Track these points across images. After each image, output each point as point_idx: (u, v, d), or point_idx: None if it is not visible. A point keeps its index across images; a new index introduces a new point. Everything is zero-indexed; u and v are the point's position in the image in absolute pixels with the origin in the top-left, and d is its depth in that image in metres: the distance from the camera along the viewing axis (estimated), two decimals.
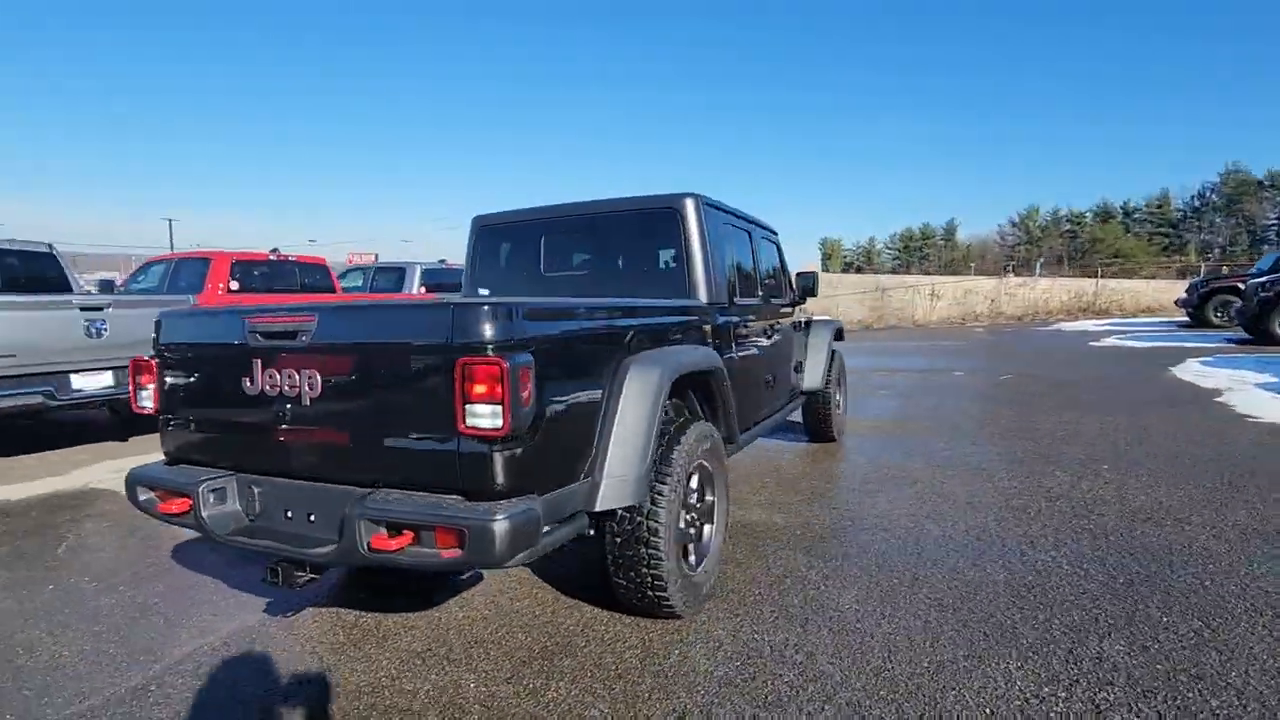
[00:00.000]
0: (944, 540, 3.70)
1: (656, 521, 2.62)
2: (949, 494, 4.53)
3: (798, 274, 5.19)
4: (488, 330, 1.96)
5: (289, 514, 2.31)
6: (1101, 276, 28.51)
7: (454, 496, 2.04)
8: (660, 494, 2.64)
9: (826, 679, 2.44)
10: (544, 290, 3.93)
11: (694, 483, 3.02)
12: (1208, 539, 3.59)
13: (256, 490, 2.37)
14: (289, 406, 2.26)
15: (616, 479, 2.42)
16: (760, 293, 4.37)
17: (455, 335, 1.97)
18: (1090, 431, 6.32)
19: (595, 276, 3.86)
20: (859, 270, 79.62)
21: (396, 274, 11.97)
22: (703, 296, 3.52)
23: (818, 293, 5.21)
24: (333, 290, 9.90)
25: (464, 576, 3.43)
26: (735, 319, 3.81)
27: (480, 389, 1.90)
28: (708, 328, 3.46)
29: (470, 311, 1.98)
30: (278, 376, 2.25)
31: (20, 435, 6.60)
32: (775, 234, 5.02)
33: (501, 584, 3.32)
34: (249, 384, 2.31)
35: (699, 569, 2.99)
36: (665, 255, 3.66)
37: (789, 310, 5.06)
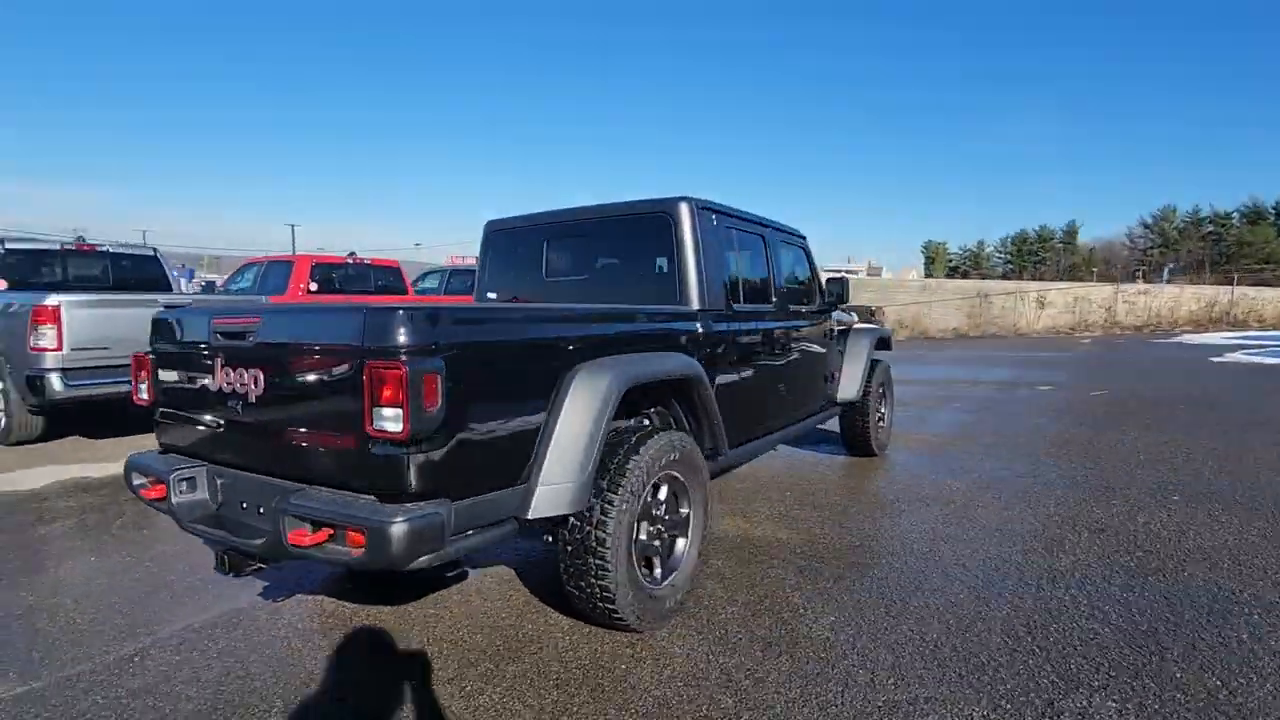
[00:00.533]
0: (954, 568, 3.42)
1: (604, 532, 2.57)
2: (980, 519, 4.19)
3: (828, 280, 4.97)
4: (394, 335, 1.98)
5: (244, 505, 2.43)
6: (1238, 283, 25.59)
7: (370, 497, 2.08)
8: (610, 504, 2.59)
9: (765, 709, 2.31)
10: (546, 295, 3.95)
11: (662, 494, 2.94)
12: (1264, 586, 3.13)
13: (219, 481, 2.51)
14: (240, 403, 2.38)
15: (553, 487, 2.39)
16: (774, 299, 4.21)
17: (366, 339, 2.01)
18: (1174, 457, 5.68)
19: (594, 281, 3.84)
20: (965, 275, 75.53)
21: (472, 276, 12.42)
22: (694, 303, 3.42)
23: (848, 299, 4.97)
24: (404, 291, 10.41)
25: (450, 574, 3.50)
26: (735, 326, 3.68)
27: (386, 393, 1.93)
28: (697, 335, 3.36)
29: (380, 316, 2.01)
30: (232, 374, 2.38)
31: (111, 420, 7.30)
32: (800, 238, 4.82)
33: (480, 584, 3.36)
34: (211, 381, 2.46)
35: (664, 583, 2.90)
36: (661, 260, 3.59)
37: (818, 317, 4.85)
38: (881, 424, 5.95)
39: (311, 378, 2.19)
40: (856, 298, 29.61)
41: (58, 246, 7.54)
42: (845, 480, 5.16)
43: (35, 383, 5.85)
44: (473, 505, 2.18)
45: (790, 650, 2.68)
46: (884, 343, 5.92)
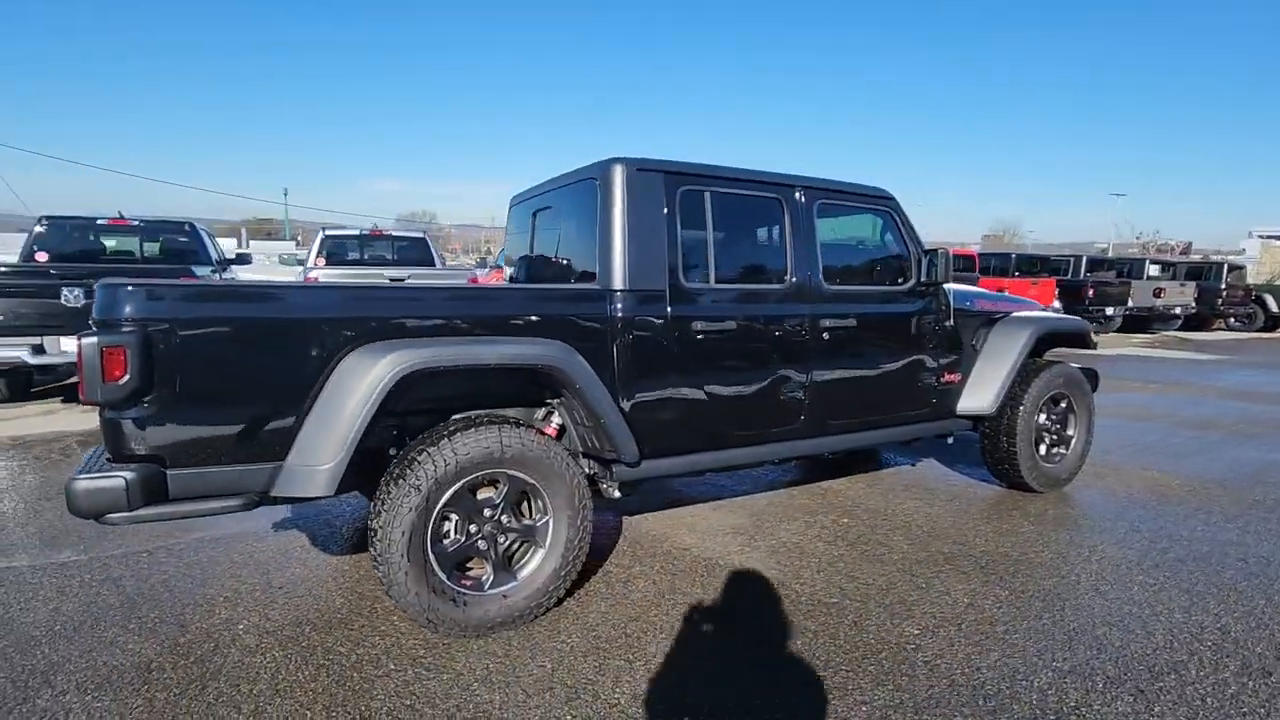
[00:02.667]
0: (897, 668, 2.40)
1: (378, 523, 2.45)
2: (1073, 607, 2.84)
3: (926, 252, 3.76)
4: (98, 310, 2.15)
5: None
6: None
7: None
8: (388, 494, 2.45)
9: None
10: (530, 268, 3.80)
11: (497, 495, 2.66)
12: None
13: None
14: None
15: (303, 469, 2.34)
16: (791, 277, 3.35)
17: (95, 312, 2.22)
18: None
19: (557, 253, 3.55)
20: None
21: None
22: (617, 281, 2.95)
23: (945, 277, 3.69)
24: None
25: None
26: (690, 309, 3.05)
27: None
28: (607, 318, 2.89)
29: (100, 291, 2.20)
30: None
31: None
32: (878, 199, 3.69)
33: None
34: None
35: (492, 591, 2.64)
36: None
37: (904, 300, 3.74)
38: (1058, 450, 4.35)
39: None
40: (1256, 275, 20.91)
41: (359, 232, 9.69)
42: (943, 517, 3.92)
43: None
44: (199, 475, 2.27)
45: (560, 706, 2.22)
46: (1064, 338, 4.29)
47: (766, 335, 3.28)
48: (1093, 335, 4.47)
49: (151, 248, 8.40)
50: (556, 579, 2.75)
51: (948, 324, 3.90)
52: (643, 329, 2.96)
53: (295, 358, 2.37)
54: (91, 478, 2.13)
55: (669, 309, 3.02)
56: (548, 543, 2.75)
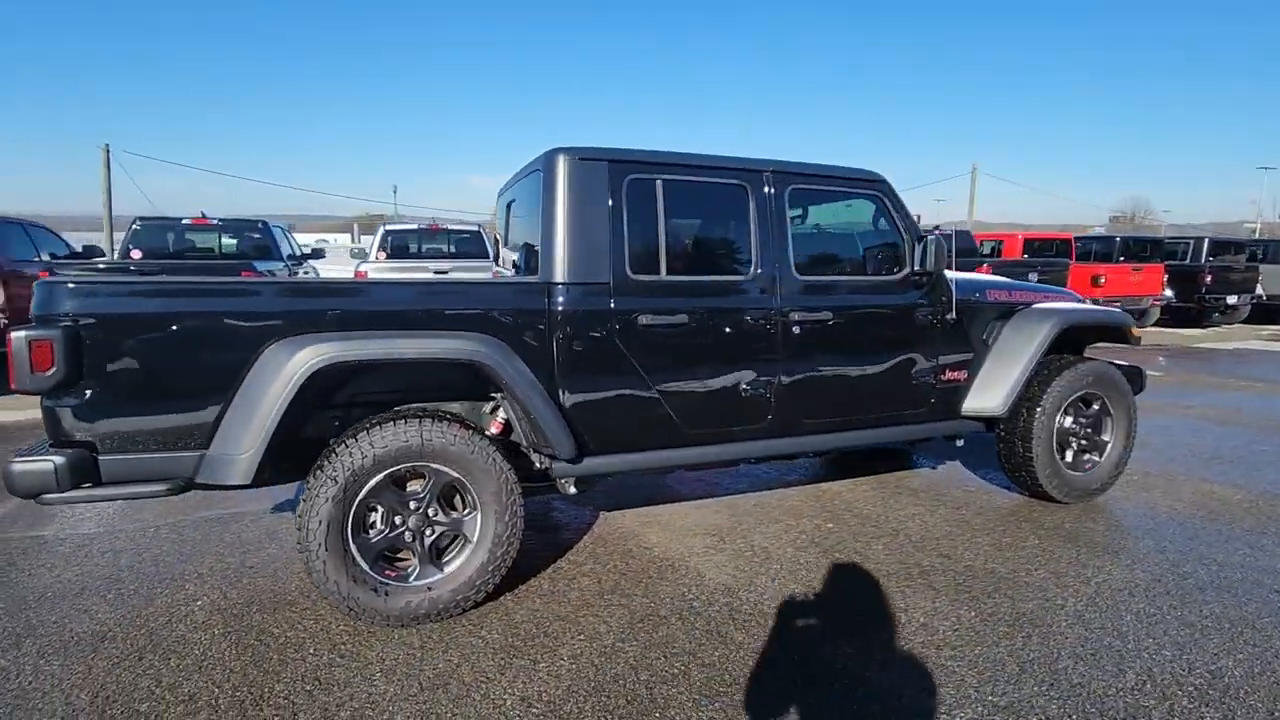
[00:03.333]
0: (818, 708, 2.23)
1: (299, 511, 2.53)
2: (1053, 636, 2.55)
3: (919, 239, 3.45)
4: (33, 304, 2.31)
5: None
6: None
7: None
8: (309, 487, 2.52)
9: None
10: (516, 258, 3.79)
11: (422, 487, 2.68)
12: None
13: None
14: None
15: (224, 458, 2.44)
16: (758, 269, 3.16)
17: (31, 307, 2.39)
18: None
19: (522, 245, 3.51)
20: None
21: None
22: (558, 274, 2.89)
23: (936, 265, 3.37)
24: None
25: None
26: (640, 303, 2.94)
27: None
28: (545, 312, 2.84)
29: (35, 288, 2.36)
30: None
31: None
32: (865, 183, 3.41)
33: None
34: None
35: (417, 582, 2.67)
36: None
37: (896, 290, 3.46)
38: (1089, 457, 3.92)
39: None
40: None
41: (416, 227, 10.07)
42: (939, 526, 3.61)
43: None
44: (128, 460, 2.41)
45: (447, 703, 2.21)
46: (1101, 332, 3.83)
47: (725, 329, 3.12)
48: (1135, 330, 3.96)
49: (230, 244, 9.08)
50: (484, 573, 2.74)
51: (949, 317, 3.58)
52: (584, 323, 2.89)
53: (217, 351, 2.47)
54: (25, 461, 2.31)
55: (613, 302, 2.93)
56: (475, 537, 2.74)
